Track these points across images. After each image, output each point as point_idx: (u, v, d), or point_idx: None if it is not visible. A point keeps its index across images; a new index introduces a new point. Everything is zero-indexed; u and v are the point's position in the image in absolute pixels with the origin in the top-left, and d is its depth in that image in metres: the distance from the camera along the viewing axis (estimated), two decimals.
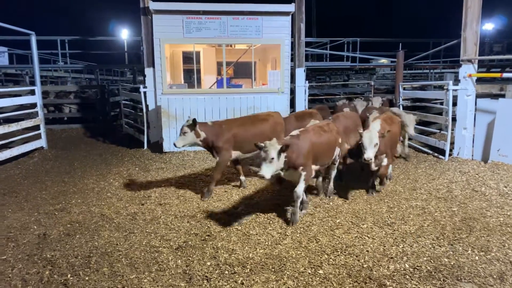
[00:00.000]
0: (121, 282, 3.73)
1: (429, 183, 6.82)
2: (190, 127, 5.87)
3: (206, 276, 3.79)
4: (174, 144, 5.88)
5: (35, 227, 5.12)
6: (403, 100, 10.50)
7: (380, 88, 15.49)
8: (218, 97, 9.93)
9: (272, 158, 4.53)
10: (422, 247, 4.38)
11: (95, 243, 4.55)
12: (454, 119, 8.55)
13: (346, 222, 5.12)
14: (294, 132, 5.20)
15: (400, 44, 18.30)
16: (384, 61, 20.91)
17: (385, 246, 4.41)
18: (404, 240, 4.56)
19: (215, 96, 9.97)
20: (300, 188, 4.97)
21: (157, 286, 3.65)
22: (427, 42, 18.45)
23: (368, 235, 4.70)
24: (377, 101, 9.77)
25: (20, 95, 12.14)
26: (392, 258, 4.14)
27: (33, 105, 9.95)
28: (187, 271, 3.90)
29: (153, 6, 9.46)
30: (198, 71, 10.93)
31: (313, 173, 5.34)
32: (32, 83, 13.09)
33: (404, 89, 10.61)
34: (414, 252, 4.25)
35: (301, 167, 4.91)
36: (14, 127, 8.96)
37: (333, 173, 6.07)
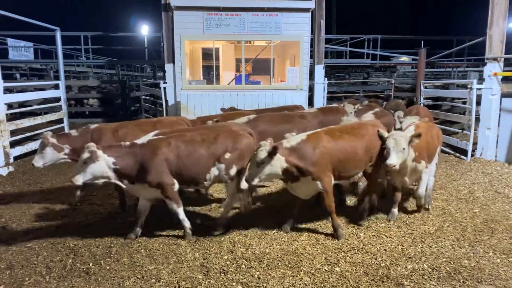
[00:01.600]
0: (140, 272, 3.82)
1: (449, 183, 6.69)
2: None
3: (223, 270, 3.84)
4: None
5: (59, 216, 5.29)
6: (424, 99, 10.30)
7: (400, 87, 15.22)
8: (237, 93, 9.98)
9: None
10: (442, 248, 4.31)
11: (115, 233, 4.66)
12: (477, 119, 8.34)
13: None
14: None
15: (422, 41, 17.94)
16: (405, 59, 20.51)
17: (403, 246, 4.36)
18: (423, 240, 4.50)
19: (233, 92, 10.01)
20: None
21: (175, 277, 3.72)
22: (451, 39, 18.00)
23: (386, 234, 4.65)
24: (349, 108, 7.88)
25: (44, 89, 12.50)
26: (410, 258, 4.09)
27: (57, 99, 10.22)
28: (205, 264, 3.96)
29: (174, 2, 9.57)
30: (217, 67, 11.01)
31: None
32: (56, 77, 13.48)
33: (425, 87, 10.40)
34: (433, 253, 4.19)
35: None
36: (39, 120, 9.23)
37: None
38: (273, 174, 4.28)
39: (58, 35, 9.96)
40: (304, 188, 4.51)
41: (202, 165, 4.40)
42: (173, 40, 10.01)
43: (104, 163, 4.09)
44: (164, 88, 10.38)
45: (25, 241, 4.50)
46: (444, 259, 4.04)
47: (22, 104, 11.57)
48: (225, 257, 4.10)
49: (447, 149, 9.04)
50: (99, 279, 3.71)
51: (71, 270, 3.88)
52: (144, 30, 25.97)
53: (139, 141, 4.40)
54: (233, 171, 4.51)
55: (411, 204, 5.65)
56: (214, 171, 4.48)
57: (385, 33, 17.68)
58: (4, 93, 7.86)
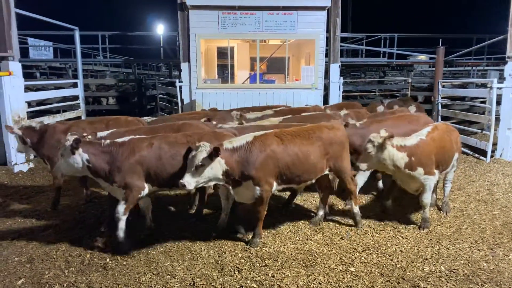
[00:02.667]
0: (156, 268, 3.87)
1: (468, 184, 6.56)
2: None
3: (238, 267, 3.86)
4: None
5: (77, 212, 5.40)
6: (442, 98, 10.11)
7: (417, 86, 14.97)
8: (251, 92, 9.99)
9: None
10: (459, 250, 4.24)
11: (131, 229, 4.71)
12: (497, 119, 8.14)
13: (379, 221, 5.03)
14: None
15: (440, 39, 17.59)
16: (422, 57, 20.17)
17: (419, 247, 4.30)
18: (440, 242, 4.43)
19: (248, 91, 10.03)
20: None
21: (190, 274, 3.76)
22: (470, 37, 17.59)
23: (402, 235, 4.60)
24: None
25: (63, 88, 12.76)
26: (427, 259, 4.03)
27: (76, 97, 10.42)
28: (219, 262, 3.98)
29: (190, 1, 9.63)
30: (232, 66, 11.04)
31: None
32: (75, 76, 13.73)
33: (443, 86, 10.20)
34: (450, 255, 4.12)
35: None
36: (58, 117, 9.42)
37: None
38: (214, 178, 3.99)
39: (77, 35, 10.15)
40: (247, 193, 4.21)
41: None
42: (189, 39, 10.08)
43: (80, 158, 3.99)
44: (180, 87, 10.48)
45: (45, 236, 4.61)
46: (462, 261, 3.97)
47: (41, 102, 11.84)
48: (240, 255, 4.12)
49: (466, 150, 8.85)
50: (116, 274, 3.77)
51: (89, 264, 3.96)
52: (160, 29, 26.22)
53: (119, 140, 4.25)
54: None
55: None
56: None
57: (402, 31, 17.41)
58: (25, 91, 8.06)
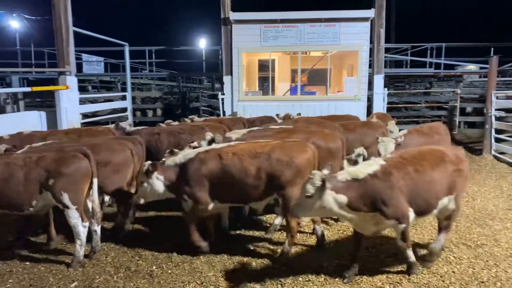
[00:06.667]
0: (199, 278, 3.93)
1: None
2: None
3: (280, 281, 3.81)
4: None
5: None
6: (495, 110, 9.54)
7: (467, 97, 14.23)
8: (292, 104, 10.00)
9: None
10: None
11: (176, 239, 4.81)
12: None
13: (428, 238, 4.78)
14: None
15: (492, 48, 16.68)
16: (472, 67, 19.17)
17: (474, 269, 4.03)
18: (498, 264, 4.13)
19: (289, 103, 10.05)
20: None
21: (233, 285, 3.77)
22: None
23: (454, 255, 4.33)
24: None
25: (112, 100, 13.45)
26: (483, 282, 3.77)
27: (124, 109, 10.95)
28: (261, 274, 3.96)
29: (233, 16, 9.88)
30: (273, 78, 11.13)
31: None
32: (123, 89, 14.45)
33: (497, 98, 9.64)
34: (509, 278, 3.83)
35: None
36: None
37: None
38: (157, 194, 4.31)
39: (127, 50, 10.72)
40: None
41: None
42: (231, 53, 10.31)
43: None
44: (222, 99, 10.69)
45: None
46: None
47: (92, 114, 12.55)
48: (283, 268, 4.07)
49: None
50: (161, 282, 3.87)
51: (136, 271, 4.09)
52: (202, 43, 27.05)
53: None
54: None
55: (482, 223, 5.23)
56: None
57: (449, 40, 16.72)
58: (79, 104, 8.60)
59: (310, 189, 3.37)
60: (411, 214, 3.65)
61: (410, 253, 3.82)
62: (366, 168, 3.62)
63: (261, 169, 4.06)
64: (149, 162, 4.32)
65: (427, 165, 3.74)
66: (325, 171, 3.47)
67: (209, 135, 5.17)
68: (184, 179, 4.20)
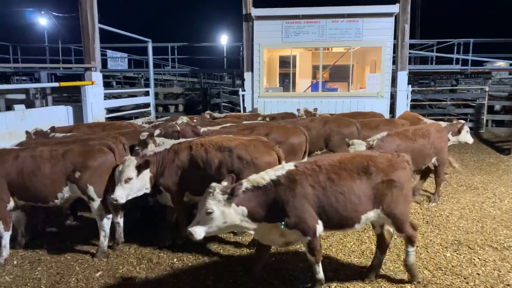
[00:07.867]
0: (218, 271, 3.97)
1: None
2: None
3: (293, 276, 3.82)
4: None
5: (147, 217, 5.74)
6: None
7: (495, 95, 13.75)
8: (313, 100, 9.93)
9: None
10: None
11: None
12: None
13: (451, 239, 4.68)
14: None
15: None
16: (501, 64, 18.48)
17: (500, 271, 3.92)
18: None
19: (309, 99, 9.98)
20: None
21: (251, 280, 3.80)
22: None
23: (479, 257, 4.22)
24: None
25: (136, 96, 13.74)
26: (508, 285, 3.66)
27: (147, 105, 11.15)
28: (279, 270, 3.97)
29: (255, 12, 9.88)
30: (294, 74, 11.08)
31: None
32: (146, 85, 14.71)
33: None
34: None
35: None
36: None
37: None
38: (143, 190, 4.29)
39: (150, 46, 10.90)
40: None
41: None
42: (253, 49, 10.32)
43: None
44: (243, 96, 10.74)
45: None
46: None
47: (116, 109, 12.84)
48: (301, 265, 4.07)
49: None
50: (182, 274, 3.94)
51: (157, 263, 4.18)
52: (224, 40, 27.17)
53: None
54: None
55: (509, 224, 5.07)
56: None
57: (477, 36, 16.14)
58: (104, 99, 8.82)
59: (211, 205, 3.09)
60: (319, 226, 3.30)
61: (318, 269, 3.45)
62: (270, 173, 3.31)
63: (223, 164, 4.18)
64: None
65: (345, 174, 3.33)
66: (225, 183, 3.26)
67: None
68: (165, 174, 4.38)
